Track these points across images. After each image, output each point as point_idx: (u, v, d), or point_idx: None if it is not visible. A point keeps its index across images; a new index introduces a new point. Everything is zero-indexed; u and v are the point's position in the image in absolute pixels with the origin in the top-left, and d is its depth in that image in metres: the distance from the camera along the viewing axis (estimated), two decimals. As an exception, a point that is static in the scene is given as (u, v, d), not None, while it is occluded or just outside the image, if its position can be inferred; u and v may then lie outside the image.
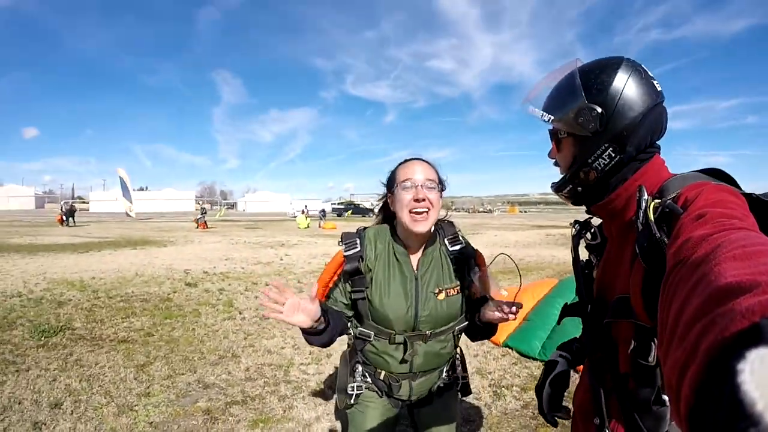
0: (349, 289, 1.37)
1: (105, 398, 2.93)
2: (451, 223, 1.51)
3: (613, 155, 0.86)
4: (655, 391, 0.79)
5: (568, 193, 0.96)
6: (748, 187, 0.74)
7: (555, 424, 1.10)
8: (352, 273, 1.35)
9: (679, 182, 0.76)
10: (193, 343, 4.12)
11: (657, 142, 0.89)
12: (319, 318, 1.22)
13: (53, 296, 5.80)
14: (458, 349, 1.53)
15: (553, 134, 0.97)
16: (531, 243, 14.94)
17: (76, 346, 3.93)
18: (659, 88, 0.87)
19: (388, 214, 1.47)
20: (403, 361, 1.37)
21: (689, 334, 0.33)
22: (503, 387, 3.22)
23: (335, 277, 1.41)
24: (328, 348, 3.96)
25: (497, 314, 1.24)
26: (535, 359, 3.72)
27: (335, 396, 3.03)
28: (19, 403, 2.82)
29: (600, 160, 0.87)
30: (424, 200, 1.29)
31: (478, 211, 72.81)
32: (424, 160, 1.39)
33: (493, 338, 4.07)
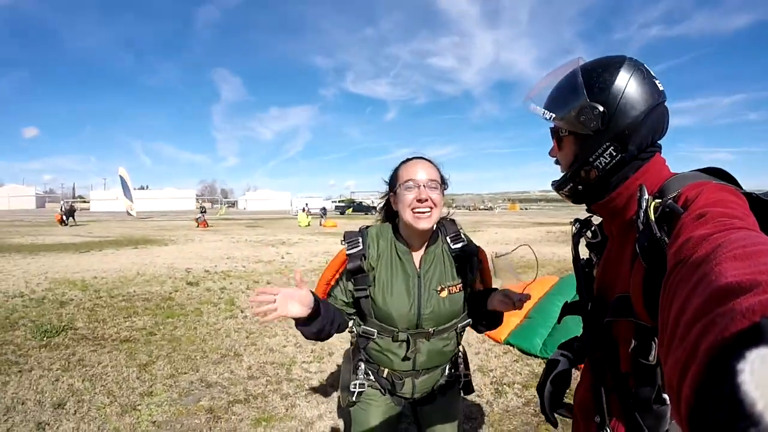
0: (351, 287, 1.38)
1: (108, 398, 2.94)
2: (453, 221, 1.52)
3: (615, 154, 0.86)
4: (655, 390, 0.80)
5: (568, 192, 0.96)
6: (750, 184, 0.74)
7: (556, 425, 1.10)
8: (354, 271, 1.36)
9: (680, 181, 0.76)
10: (195, 342, 4.13)
11: (658, 142, 0.89)
12: (311, 304, 1.21)
13: (55, 296, 5.81)
14: (461, 347, 1.54)
15: (555, 132, 0.97)
16: (532, 240, 14.93)
17: (79, 346, 3.94)
18: (661, 88, 0.87)
19: (390, 213, 1.47)
20: (405, 358, 1.38)
21: (689, 334, 0.33)
22: (505, 384, 3.23)
23: (337, 275, 1.42)
24: (329, 346, 3.99)
25: (506, 303, 1.26)
26: (536, 356, 3.73)
27: (337, 394, 3.05)
28: (23, 404, 2.83)
29: (601, 158, 0.87)
30: (426, 200, 1.30)
31: (479, 209, 72.79)
32: (426, 159, 1.39)
33: (494, 336, 4.11)
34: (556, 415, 1.09)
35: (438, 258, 1.41)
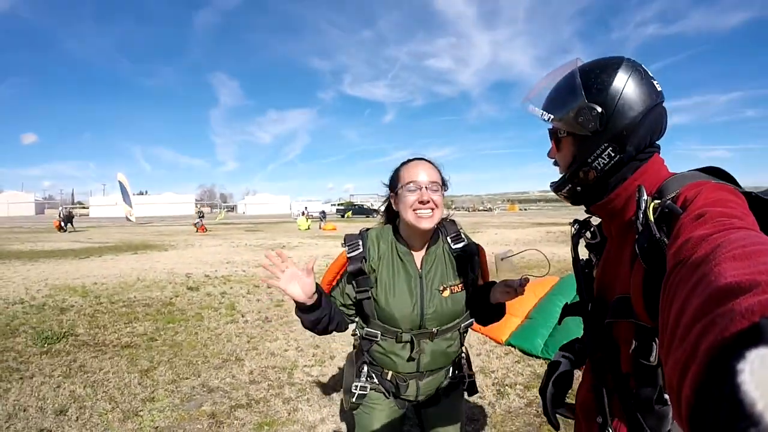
0: (353, 290, 1.39)
1: (110, 404, 2.93)
2: (453, 221, 1.53)
3: (613, 155, 0.86)
4: (657, 390, 0.80)
5: (567, 193, 0.96)
6: (747, 181, 0.75)
7: (558, 428, 1.10)
8: (355, 273, 1.37)
9: (679, 181, 0.76)
10: (197, 347, 4.12)
11: (657, 142, 0.90)
12: (313, 295, 1.25)
13: (55, 302, 5.79)
14: (464, 348, 1.54)
15: (553, 133, 0.97)
16: (531, 241, 14.93)
17: (80, 353, 3.93)
18: (659, 89, 0.87)
19: (391, 214, 1.48)
20: (410, 359, 1.38)
21: (689, 335, 0.33)
22: (507, 385, 3.23)
23: (338, 277, 1.43)
24: (331, 350, 3.99)
25: (508, 293, 1.29)
26: (537, 357, 3.72)
27: (340, 397, 3.04)
28: (24, 411, 2.82)
29: (599, 159, 0.87)
30: (428, 202, 1.31)
31: (478, 210, 72.78)
32: (427, 161, 1.40)
33: (495, 337, 4.11)
34: (558, 416, 1.09)
35: (439, 258, 1.42)
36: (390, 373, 1.41)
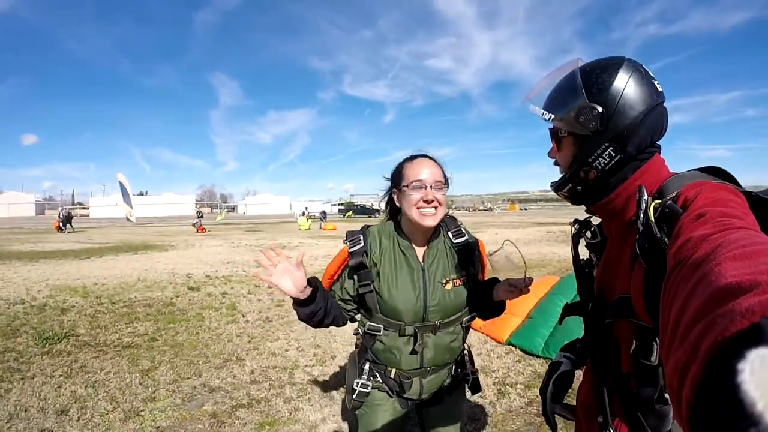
0: (354, 284, 1.40)
1: (111, 404, 2.94)
2: (453, 218, 1.54)
3: (614, 155, 0.86)
4: (657, 390, 0.80)
5: (567, 193, 0.97)
6: (747, 180, 0.75)
7: (555, 428, 1.10)
8: (357, 267, 1.38)
9: (679, 181, 0.76)
10: (198, 347, 4.13)
11: (658, 142, 0.90)
12: (305, 289, 1.27)
13: (56, 303, 5.80)
14: (466, 345, 1.55)
15: (554, 133, 0.97)
16: (532, 240, 14.93)
17: (81, 353, 3.93)
18: (660, 89, 0.87)
19: (393, 210, 1.50)
20: (413, 352, 1.38)
21: (690, 335, 0.33)
22: (507, 385, 3.23)
23: (338, 272, 1.45)
24: (332, 349, 3.99)
25: (512, 292, 1.31)
26: (538, 357, 3.72)
27: (341, 397, 3.04)
28: (26, 411, 2.82)
29: (600, 159, 0.87)
30: (433, 201, 1.34)
31: (479, 210, 72.76)
32: (431, 158, 1.41)
33: (496, 336, 4.11)
34: (556, 417, 1.09)
35: (441, 252, 1.44)
36: (393, 370, 1.41)
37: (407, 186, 1.35)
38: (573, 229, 1.08)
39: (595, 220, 1.05)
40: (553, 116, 0.92)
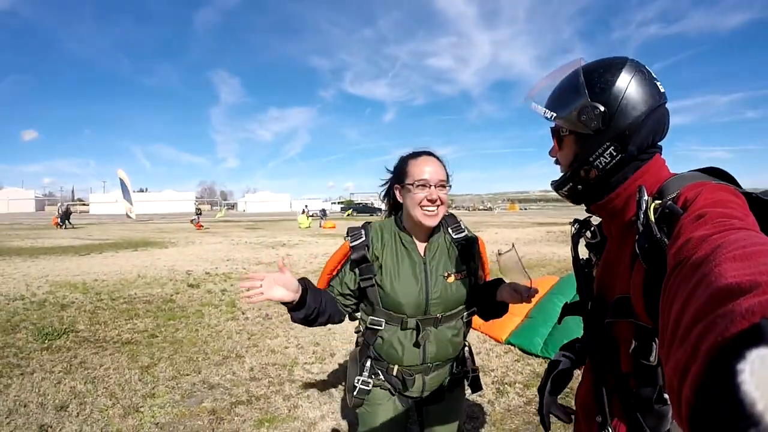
0: (356, 278, 1.40)
1: (110, 400, 2.94)
2: (453, 214, 1.56)
3: (615, 154, 0.86)
4: (656, 390, 0.80)
5: (567, 191, 0.97)
6: (748, 182, 0.75)
7: (548, 428, 1.10)
8: (359, 261, 1.39)
9: (679, 182, 0.76)
10: (197, 344, 4.13)
11: (659, 143, 0.90)
12: (297, 288, 1.26)
13: (56, 299, 5.81)
14: (467, 342, 1.55)
15: (555, 132, 0.97)
16: (532, 240, 14.94)
17: (80, 349, 3.94)
18: (662, 90, 0.87)
19: (394, 204, 1.50)
20: (416, 345, 1.38)
21: (690, 336, 0.33)
22: (506, 384, 3.23)
23: (339, 266, 1.45)
24: (331, 347, 3.99)
25: (515, 297, 1.31)
26: (537, 356, 3.73)
27: (340, 395, 3.05)
28: (25, 406, 2.83)
29: (601, 158, 0.87)
30: (436, 200, 1.35)
31: (478, 209, 72.74)
32: (435, 157, 1.42)
33: (495, 336, 4.11)
34: (551, 419, 1.09)
35: (441, 247, 1.45)
36: (396, 367, 1.41)
37: (412, 184, 1.36)
38: (573, 228, 1.08)
39: (595, 220, 1.05)
40: (555, 114, 0.92)
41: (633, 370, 0.83)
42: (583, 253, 1.07)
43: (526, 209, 76.16)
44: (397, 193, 1.44)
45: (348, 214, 46.38)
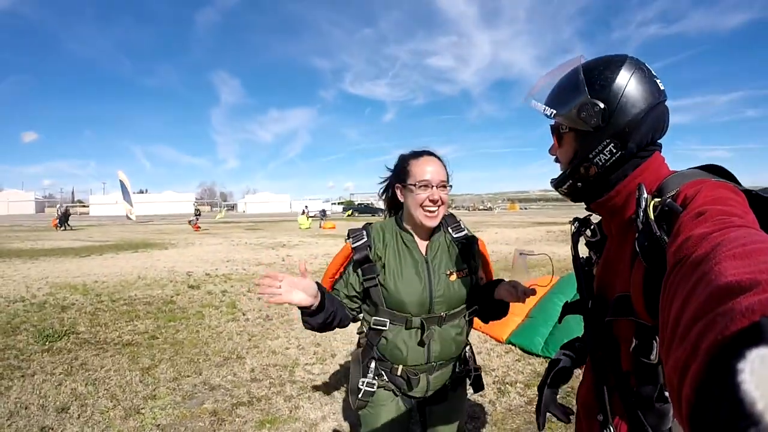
0: (359, 279, 1.40)
1: (111, 402, 2.94)
2: (452, 214, 1.57)
3: (615, 151, 0.86)
4: (657, 388, 0.80)
5: (567, 189, 0.97)
6: (747, 181, 0.75)
7: (541, 427, 1.10)
8: (362, 261, 1.39)
9: (678, 180, 0.76)
10: (198, 345, 4.13)
11: (659, 141, 0.90)
12: (316, 293, 1.24)
13: (56, 301, 5.81)
14: (468, 340, 1.56)
15: (555, 129, 0.97)
16: (532, 240, 14.94)
17: (81, 350, 3.94)
18: (662, 87, 0.87)
19: (394, 203, 1.51)
20: (421, 343, 1.38)
21: (690, 334, 0.33)
22: (507, 384, 3.23)
23: (341, 269, 1.45)
24: (332, 348, 3.99)
25: (512, 294, 1.32)
26: (538, 356, 3.73)
27: (342, 396, 3.05)
28: (26, 408, 2.83)
29: (601, 155, 0.87)
30: (438, 200, 1.37)
31: (479, 209, 72.75)
32: (437, 157, 1.43)
33: (496, 335, 4.11)
34: (547, 418, 1.09)
35: (442, 246, 1.46)
36: (400, 367, 1.41)
37: (414, 185, 1.37)
38: (573, 227, 1.08)
39: (595, 218, 1.05)
40: (555, 112, 0.92)
41: (634, 369, 0.83)
42: (583, 251, 1.07)
43: (526, 209, 76.17)
44: (398, 192, 1.45)
45: (349, 215, 46.36)
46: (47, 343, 4.09)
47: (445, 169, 1.43)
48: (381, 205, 1.65)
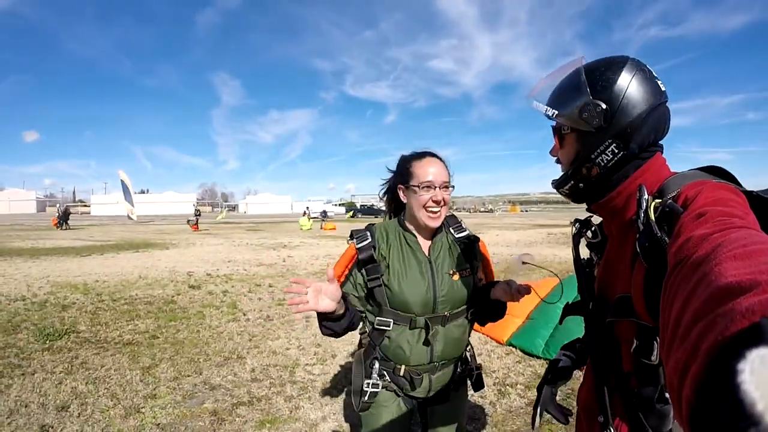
0: (363, 279, 1.40)
1: (111, 400, 2.95)
2: (453, 215, 1.57)
3: (616, 151, 0.86)
4: (658, 389, 0.80)
5: (569, 190, 0.96)
6: (748, 183, 0.75)
7: (534, 426, 1.09)
8: (366, 261, 1.39)
9: (679, 181, 0.76)
10: (198, 345, 4.13)
11: (660, 142, 0.90)
12: (340, 300, 1.24)
13: (57, 299, 5.81)
14: (469, 340, 1.56)
15: (557, 130, 0.97)
16: (532, 242, 14.92)
17: (82, 349, 3.94)
18: (663, 88, 0.87)
19: (396, 203, 1.52)
20: (426, 343, 1.38)
21: (690, 335, 0.33)
22: (507, 385, 3.23)
23: (347, 271, 1.44)
24: (332, 348, 3.99)
25: (506, 292, 1.33)
26: (538, 357, 3.72)
27: (342, 396, 3.05)
28: (26, 407, 2.83)
29: (603, 156, 0.87)
30: (440, 201, 1.38)
31: (480, 211, 72.64)
32: (439, 158, 1.44)
33: (496, 337, 4.11)
34: (540, 418, 1.09)
35: (445, 246, 1.47)
36: (403, 367, 1.41)
37: (417, 186, 1.37)
38: (573, 228, 1.08)
39: (596, 219, 1.05)
40: (556, 112, 0.92)
41: (634, 370, 0.83)
42: (584, 252, 1.07)
43: (527, 211, 76.11)
44: (400, 193, 1.45)
45: (350, 216, 46.31)
46: (48, 341, 4.10)
47: (447, 169, 1.44)
48: (383, 206, 1.65)
